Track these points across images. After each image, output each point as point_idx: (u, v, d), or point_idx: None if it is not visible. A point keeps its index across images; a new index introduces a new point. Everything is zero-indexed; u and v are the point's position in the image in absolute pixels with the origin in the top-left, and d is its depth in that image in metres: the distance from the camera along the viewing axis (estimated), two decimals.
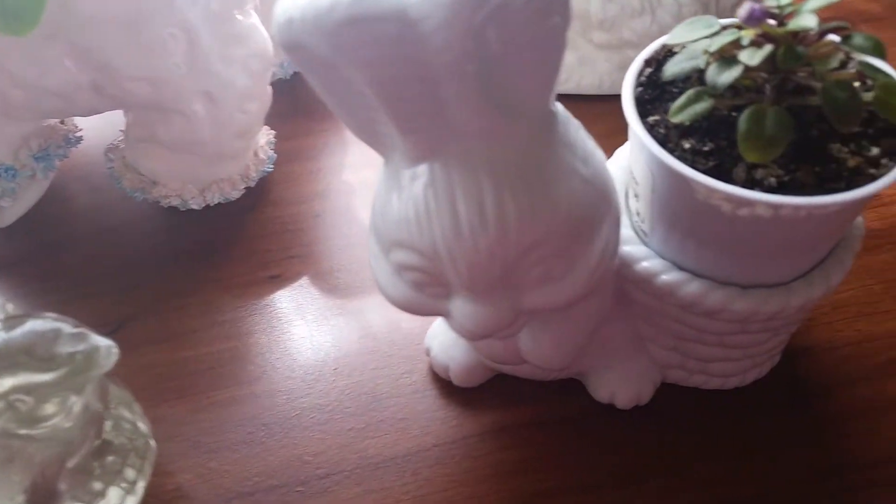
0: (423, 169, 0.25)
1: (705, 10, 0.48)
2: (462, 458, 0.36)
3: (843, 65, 0.29)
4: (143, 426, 0.34)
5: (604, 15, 0.46)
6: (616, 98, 0.32)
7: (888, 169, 0.27)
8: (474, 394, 0.38)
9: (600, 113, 0.39)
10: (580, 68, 0.50)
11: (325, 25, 0.21)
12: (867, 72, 0.27)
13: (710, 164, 0.27)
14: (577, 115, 0.38)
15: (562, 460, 0.36)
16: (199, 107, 0.39)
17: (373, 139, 0.27)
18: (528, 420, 0.37)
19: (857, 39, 0.26)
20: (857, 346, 0.39)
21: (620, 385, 0.36)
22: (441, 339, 0.38)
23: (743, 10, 0.23)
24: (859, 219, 0.32)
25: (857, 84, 0.29)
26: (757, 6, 0.23)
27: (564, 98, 0.51)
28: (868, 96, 0.27)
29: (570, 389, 0.38)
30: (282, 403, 0.38)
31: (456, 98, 0.23)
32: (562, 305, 0.28)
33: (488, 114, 0.24)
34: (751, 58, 0.25)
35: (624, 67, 0.32)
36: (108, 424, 0.33)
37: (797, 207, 0.26)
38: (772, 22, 0.26)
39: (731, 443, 0.36)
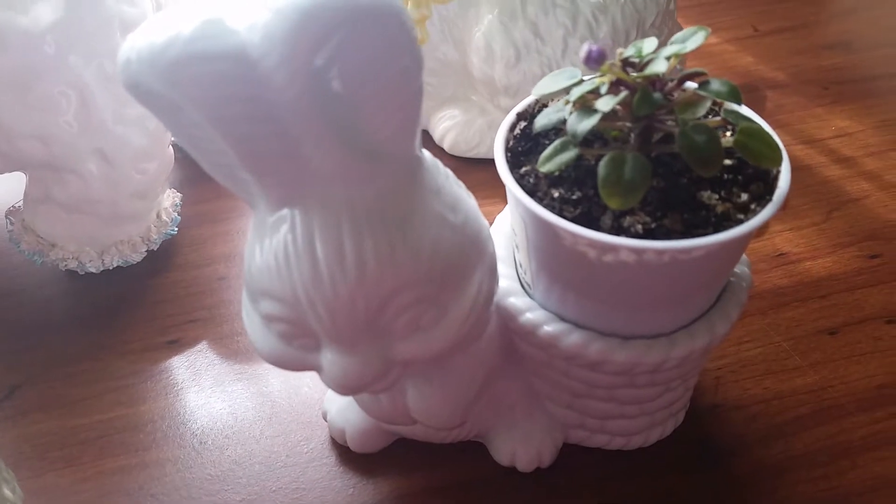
0: (284, 214, 0.25)
1: None
2: None
3: (716, 114, 0.30)
4: (9, 493, 0.32)
5: (507, 81, 0.47)
6: None
7: (755, 214, 0.27)
8: (373, 460, 0.37)
9: None
10: (490, 132, 0.50)
11: (159, 64, 0.21)
12: (731, 118, 0.27)
13: (578, 212, 0.27)
14: (487, 178, 0.37)
15: None
16: (92, 166, 0.39)
17: (236, 185, 0.26)
18: (428, 486, 0.36)
19: (714, 85, 0.26)
20: (766, 404, 0.38)
21: (520, 446, 0.35)
22: (338, 403, 0.37)
23: (582, 51, 0.24)
24: (745, 270, 0.32)
25: (727, 133, 0.30)
26: (595, 47, 0.23)
27: (476, 162, 0.52)
28: (729, 140, 0.27)
29: (472, 453, 0.36)
30: (171, 473, 0.36)
31: (307, 139, 0.23)
32: (435, 355, 0.27)
33: (344, 156, 0.24)
34: (606, 104, 0.25)
35: None
36: None
37: (660, 252, 0.25)
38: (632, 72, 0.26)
39: None
